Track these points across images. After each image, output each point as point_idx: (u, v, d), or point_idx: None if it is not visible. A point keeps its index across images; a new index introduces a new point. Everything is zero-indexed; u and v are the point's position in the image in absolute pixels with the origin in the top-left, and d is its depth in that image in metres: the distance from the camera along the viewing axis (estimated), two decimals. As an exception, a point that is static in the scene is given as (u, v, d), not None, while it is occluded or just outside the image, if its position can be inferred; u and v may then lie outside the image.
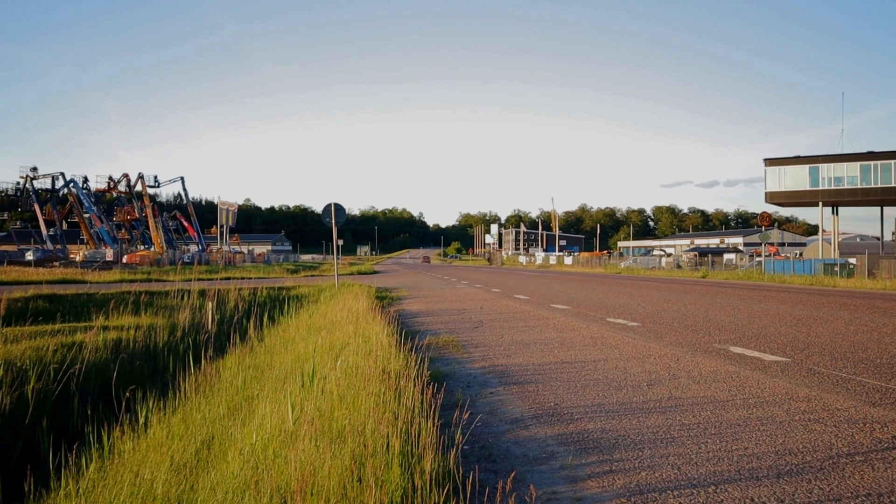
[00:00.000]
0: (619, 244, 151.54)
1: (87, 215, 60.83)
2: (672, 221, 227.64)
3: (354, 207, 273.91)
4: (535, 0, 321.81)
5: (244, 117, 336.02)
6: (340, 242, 65.21)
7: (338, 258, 24.35)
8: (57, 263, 46.25)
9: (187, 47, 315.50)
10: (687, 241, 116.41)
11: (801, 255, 58.59)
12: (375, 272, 49.94)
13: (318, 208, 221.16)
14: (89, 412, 6.30)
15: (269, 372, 6.63)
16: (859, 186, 44.00)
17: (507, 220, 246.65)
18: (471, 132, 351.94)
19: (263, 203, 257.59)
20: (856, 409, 4.80)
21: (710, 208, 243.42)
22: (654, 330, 9.60)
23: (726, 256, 53.47)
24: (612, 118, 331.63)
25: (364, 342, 6.83)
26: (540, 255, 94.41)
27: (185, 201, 75.17)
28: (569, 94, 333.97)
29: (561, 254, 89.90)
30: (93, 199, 60.87)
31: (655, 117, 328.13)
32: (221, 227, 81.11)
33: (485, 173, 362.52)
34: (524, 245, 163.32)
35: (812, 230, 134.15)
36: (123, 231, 65.60)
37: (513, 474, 3.48)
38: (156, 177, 67.56)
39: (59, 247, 58.38)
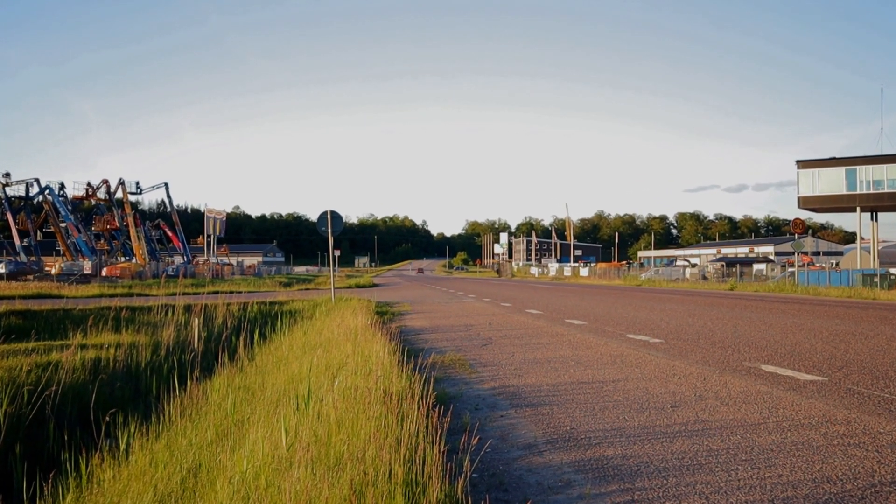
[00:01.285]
0: (640, 254, 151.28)
1: (63, 224, 61.15)
2: (697, 229, 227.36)
3: (352, 215, 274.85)
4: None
5: (232, 117, 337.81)
6: (337, 253, 65.42)
7: (334, 270, 24.41)
8: (31, 277, 46.43)
9: (169, 41, 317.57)
10: (713, 251, 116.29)
11: (837, 265, 58.42)
12: (375, 285, 49.97)
13: (313, 216, 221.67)
14: (66, 437, 6.31)
15: (261, 394, 6.64)
16: (901, 190, 43.89)
17: (518, 228, 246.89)
18: (478, 133, 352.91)
19: (254, 211, 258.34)
20: (900, 432, 4.77)
21: (737, 215, 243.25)
22: (678, 347, 9.58)
23: (756, 267, 53.34)
24: (632, 117, 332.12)
25: (363, 361, 6.82)
26: (553, 266, 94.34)
27: (169, 209, 75.47)
28: (585, 92, 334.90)
29: (576, 265, 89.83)
30: (70, 207, 61.20)
31: (679, 116, 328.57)
32: (208, 236, 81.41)
33: (493, 178, 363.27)
34: (536, 255, 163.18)
35: (849, 238, 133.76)
36: (103, 241, 65.85)
37: (526, 505, 3.47)
38: (137, 183, 68.00)
39: (33, 259, 58.64)
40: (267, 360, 8.99)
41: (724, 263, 57.91)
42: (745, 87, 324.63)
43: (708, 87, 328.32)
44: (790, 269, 44.02)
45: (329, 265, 24.82)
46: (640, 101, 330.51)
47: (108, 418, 6.40)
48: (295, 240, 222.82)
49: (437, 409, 4.65)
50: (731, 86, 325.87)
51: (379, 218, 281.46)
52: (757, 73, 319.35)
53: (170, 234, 76.66)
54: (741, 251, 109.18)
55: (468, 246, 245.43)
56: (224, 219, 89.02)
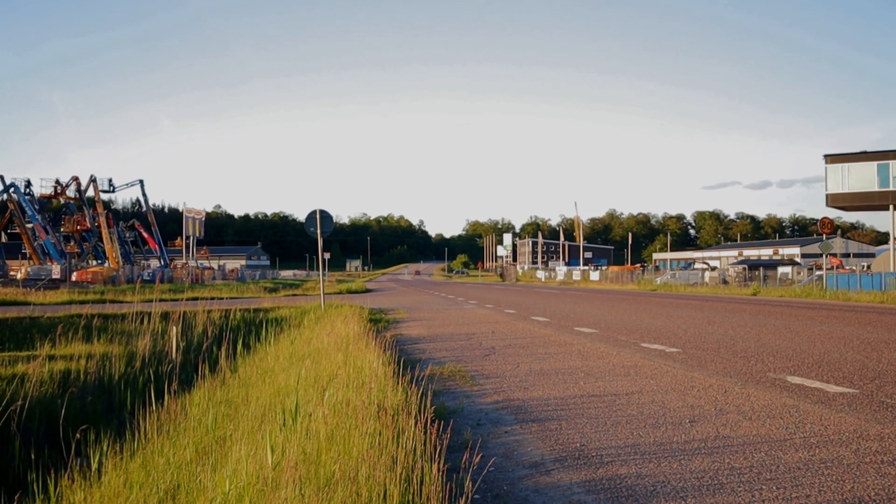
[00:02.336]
0: (655, 256, 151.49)
1: (29, 225, 61.08)
2: (716, 229, 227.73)
3: (343, 215, 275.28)
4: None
5: (213, 109, 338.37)
6: (327, 256, 65.34)
7: (324, 274, 24.41)
8: (-5, 282, 46.39)
9: (144, 26, 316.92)
10: (734, 253, 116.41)
11: (868, 267, 58.44)
12: (368, 290, 49.97)
13: (301, 216, 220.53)
14: (33, 456, 6.30)
15: (245, 408, 6.64)
16: (937, 186, 43.93)
17: (523, 228, 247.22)
18: (480, 125, 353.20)
19: (236, 210, 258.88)
20: (937, 449, 4.78)
21: (760, 213, 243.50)
22: (696, 357, 9.58)
23: (781, 270, 53.40)
24: (647, 109, 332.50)
25: (356, 373, 6.82)
26: (561, 269, 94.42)
27: (144, 208, 75.52)
28: (595, 81, 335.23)
29: (586, 268, 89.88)
30: (37, 207, 61.13)
31: (697, 107, 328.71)
32: (187, 238, 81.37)
33: (496, 174, 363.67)
34: (543, 258, 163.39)
35: (882, 238, 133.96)
36: (73, 244, 65.83)
37: (532, 528, 3.47)
38: (110, 180, 68.05)
39: (-3, 262, 58.66)
40: (251, 372, 8.99)
41: (745, 266, 57.94)
42: (768, 74, 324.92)
43: (728, 76, 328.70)
44: (818, 273, 44.07)
45: (318, 269, 24.82)
46: (655, 92, 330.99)
47: (78, 435, 6.39)
48: (281, 241, 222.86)
49: (435, 425, 4.65)
50: (753, 73, 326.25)
51: (372, 218, 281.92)
52: (782, 60, 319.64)
53: (145, 235, 76.68)
54: (764, 253, 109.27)
55: (469, 248, 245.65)
56: (204, 219, 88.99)
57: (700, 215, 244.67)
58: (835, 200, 47.12)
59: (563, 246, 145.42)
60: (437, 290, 48.15)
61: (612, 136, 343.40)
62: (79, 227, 65.30)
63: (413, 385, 6.23)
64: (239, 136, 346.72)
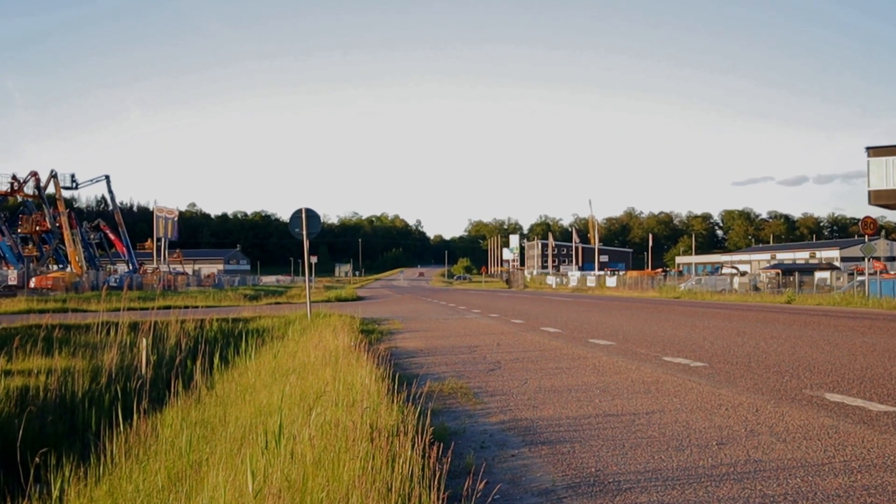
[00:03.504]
0: (678, 259, 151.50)
1: (-18, 227, 61.15)
2: (746, 230, 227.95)
3: (332, 214, 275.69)
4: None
5: (188, 97, 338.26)
6: (314, 260, 65.27)
7: (310, 280, 24.40)
8: (-55, 289, 46.42)
9: (110, 4, 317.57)
10: (766, 256, 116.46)
11: (916, 272, 58.43)
12: (360, 298, 49.95)
13: (285, 216, 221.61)
14: (-13, 483, 6.30)
15: (223, 429, 6.64)
16: None
17: (532, 229, 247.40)
18: (483, 115, 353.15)
19: (213, 209, 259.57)
20: None
21: (795, 212, 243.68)
22: (724, 372, 9.58)
23: (818, 275, 53.37)
24: (670, 96, 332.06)
25: (346, 390, 6.83)
26: (574, 274, 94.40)
27: (111, 207, 75.53)
28: (612, 65, 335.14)
29: (602, 273, 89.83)
30: (-9, 206, 61.24)
31: (725, 95, 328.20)
32: (158, 240, 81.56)
33: (501, 169, 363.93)
34: (554, 262, 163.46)
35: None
36: (31, 246, 65.85)
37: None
38: (73, 176, 68.09)
39: (-53, 267, 58.67)
40: (229, 389, 8.99)
41: (779, 271, 57.92)
42: (806, 57, 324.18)
43: (761, 58, 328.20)
44: (859, 278, 44.03)
45: (304, 274, 24.80)
46: (678, 77, 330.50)
47: (38, 459, 6.39)
48: (263, 244, 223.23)
49: (435, 448, 4.65)
50: (789, 56, 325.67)
51: (364, 217, 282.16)
52: (821, 41, 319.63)
53: (112, 237, 76.67)
54: (800, 256, 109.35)
55: (471, 250, 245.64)
56: (177, 219, 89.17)
57: (728, 214, 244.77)
58: (878, 198, 47.10)
59: (577, 248, 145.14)
60: (436, 298, 48.15)
61: (631, 127, 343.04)
62: (38, 228, 65.30)
63: (410, 403, 6.24)
64: (216, 126, 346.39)
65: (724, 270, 74.69)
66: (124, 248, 74.12)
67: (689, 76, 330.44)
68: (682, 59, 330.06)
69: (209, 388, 9.26)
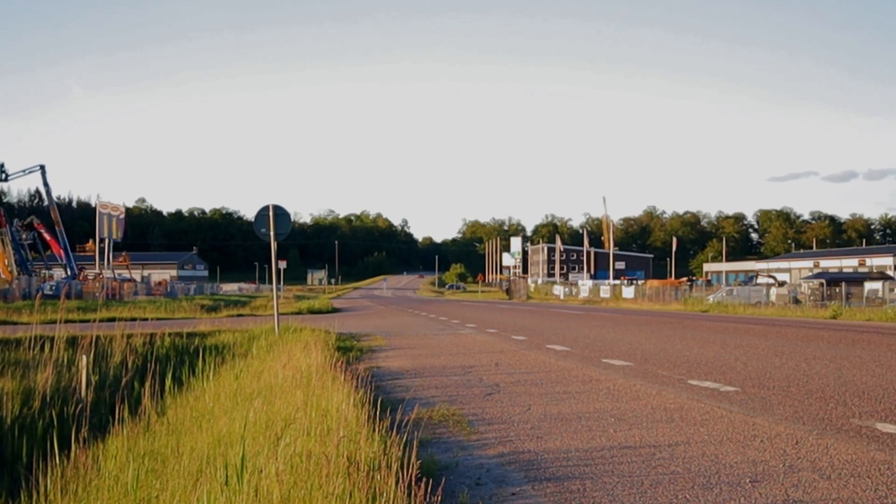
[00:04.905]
0: (706, 267, 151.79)
1: None
2: (786, 233, 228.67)
3: (304, 213, 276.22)
4: None
5: (138, 75, 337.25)
6: (282, 265, 65.04)
7: (279, 289, 24.37)
8: None
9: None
10: (808, 263, 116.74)
11: (981, 283, 58.67)
12: (336, 310, 49.89)
13: (249, 214, 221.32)
14: None
15: (176, 462, 6.61)
16: None
17: (536, 231, 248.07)
18: (480, 98, 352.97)
19: (165, 206, 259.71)
20: None
21: (843, 213, 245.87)
22: (759, 398, 9.60)
23: (868, 286, 53.53)
24: (694, 76, 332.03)
25: (319, 416, 6.82)
26: (586, 283, 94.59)
27: (46, 202, 75.38)
28: (628, 39, 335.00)
29: (617, 282, 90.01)
30: None
31: (762, 74, 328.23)
32: (102, 241, 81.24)
33: (501, 162, 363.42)
34: (562, 269, 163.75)
35: None
36: (-49, 248, 65.60)
37: None
38: (2, 165, 67.79)
39: None
40: (184, 415, 8.96)
41: (823, 281, 58.11)
42: (855, 31, 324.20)
43: (801, 33, 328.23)
44: (916, 290, 44.20)
45: (271, 282, 24.78)
46: (706, 53, 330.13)
47: (-42, 496, 6.37)
48: (223, 246, 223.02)
49: (422, 484, 4.65)
50: (835, 30, 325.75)
51: (341, 216, 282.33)
52: (872, 10, 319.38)
53: (47, 237, 76.38)
54: (848, 264, 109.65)
55: (466, 255, 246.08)
56: (123, 216, 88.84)
57: (765, 215, 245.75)
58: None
59: (588, 254, 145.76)
60: (425, 310, 48.13)
61: (653, 113, 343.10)
62: (-41, 227, 65.09)
63: (394, 432, 6.23)
64: (169, 110, 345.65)
65: (760, 280, 74.90)
66: (62, 251, 73.82)
67: (718, 52, 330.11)
68: (710, 32, 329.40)
69: (160, 414, 9.22)
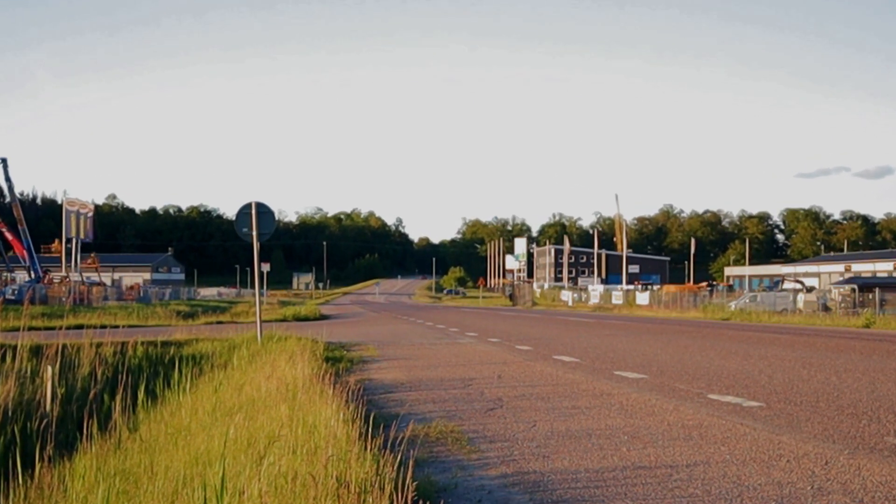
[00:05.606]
0: (728, 271, 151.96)
1: None
2: (814, 234, 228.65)
3: (289, 211, 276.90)
4: None
5: (110, 61, 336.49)
6: (266, 268, 64.81)
7: (262, 294, 24.36)
8: None
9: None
10: (839, 267, 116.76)
11: None
12: (324, 317, 49.87)
13: (229, 212, 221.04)
14: None
15: (149, 483, 6.61)
16: None
17: (542, 231, 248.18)
18: (481, 89, 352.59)
19: (139, 203, 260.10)
20: None
21: (877, 213, 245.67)
22: (786, 414, 9.60)
23: (905, 292, 53.58)
24: (715, 62, 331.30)
25: (306, 433, 6.82)
26: (596, 289, 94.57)
27: (8, 199, 75.27)
28: (641, 22, 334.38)
29: (631, 287, 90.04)
30: None
31: (787, 61, 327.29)
32: (69, 241, 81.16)
33: (504, 157, 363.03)
34: (570, 273, 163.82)
35: None
36: None
37: None
38: (-42, 159, 67.73)
39: None
40: (158, 431, 8.96)
41: (855, 287, 58.14)
42: (892, 14, 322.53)
43: (835, 15, 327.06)
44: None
45: (254, 286, 24.76)
46: (727, 36, 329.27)
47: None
48: (201, 247, 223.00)
49: (419, 508, 4.65)
50: (870, 13, 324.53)
51: (330, 215, 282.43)
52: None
53: (9, 236, 76.25)
54: (882, 268, 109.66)
55: (466, 258, 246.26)
56: (93, 214, 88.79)
57: (791, 214, 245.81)
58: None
59: (599, 256, 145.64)
60: (421, 317, 48.13)
61: (669, 103, 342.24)
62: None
63: (387, 451, 6.22)
64: (144, 98, 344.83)
65: (786, 285, 74.85)
66: (25, 251, 73.68)
67: (742, 37, 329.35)
68: (733, 14, 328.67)
69: (132, 430, 9.22)
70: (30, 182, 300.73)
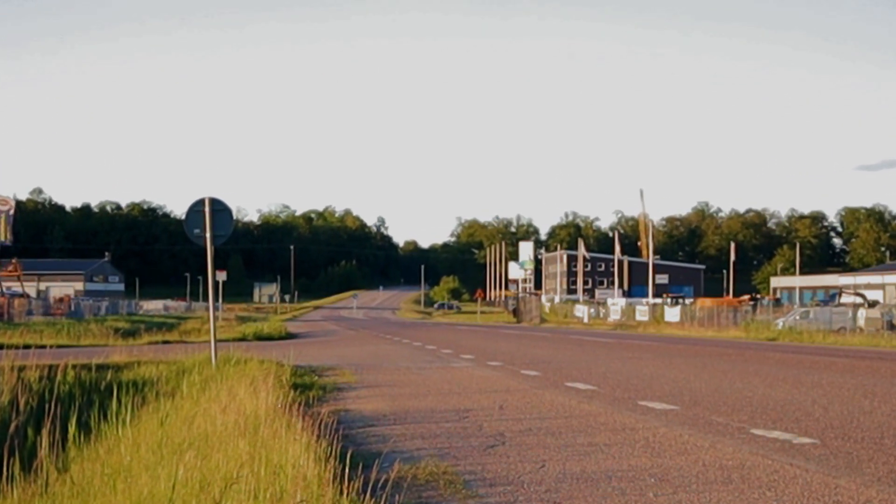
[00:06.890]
0: (774, 282, 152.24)
1: None
2: (878, 238, 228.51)
3: (249, 208, 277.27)
4: None
5: (35, 34, 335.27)
6: (222, 277, 64.68)
7: (217, 308, 24.30)
8: None
9: None
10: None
11: None
12: (291, 336, 49.85)
13: (178, 209, 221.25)
14: None
15: (82, 534, 6.62)
16: None
17: (553, 234, 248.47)
18: (479, 66, 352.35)
19: (69, 199, 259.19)
20: None
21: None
22: (844, 452, 9.61)
23: None
24: (759, 36, 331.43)
25: (271, 475, 6.81)
26: (617, 303, 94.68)
27: (-87, 194, 75.06)
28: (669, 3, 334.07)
29: (658, 301, 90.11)
30: None
31: (845, 33, 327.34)
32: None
33: (507, 147, 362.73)
34: (585, 283, 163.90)
35: None
36: None
37: None
38: None
39: None
40: (93, 472, 8.94)
41: (926, 301, 58.35)
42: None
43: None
44: None
45: (207, 299, 24.76)
46: (774, 6, 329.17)
47: None
48: (144, 252, 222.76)
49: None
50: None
51: (298, 214, 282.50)
52: None
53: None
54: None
55: (461, 265, 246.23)
56: (13, 211, 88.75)
57: (851, 214, 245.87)
58: None
59: (621, 264, 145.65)
60: (408, 336, 48.15)
61: (704, 84, 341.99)
62: None
63: (367, 496, 6.23)
64: (75, 78, 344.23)
65: (844, 299, 75.11)
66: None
67: (791, 3, 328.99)
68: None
69: (61, 471, 9.19)
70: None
